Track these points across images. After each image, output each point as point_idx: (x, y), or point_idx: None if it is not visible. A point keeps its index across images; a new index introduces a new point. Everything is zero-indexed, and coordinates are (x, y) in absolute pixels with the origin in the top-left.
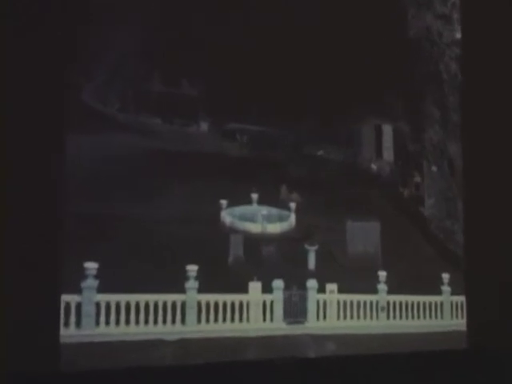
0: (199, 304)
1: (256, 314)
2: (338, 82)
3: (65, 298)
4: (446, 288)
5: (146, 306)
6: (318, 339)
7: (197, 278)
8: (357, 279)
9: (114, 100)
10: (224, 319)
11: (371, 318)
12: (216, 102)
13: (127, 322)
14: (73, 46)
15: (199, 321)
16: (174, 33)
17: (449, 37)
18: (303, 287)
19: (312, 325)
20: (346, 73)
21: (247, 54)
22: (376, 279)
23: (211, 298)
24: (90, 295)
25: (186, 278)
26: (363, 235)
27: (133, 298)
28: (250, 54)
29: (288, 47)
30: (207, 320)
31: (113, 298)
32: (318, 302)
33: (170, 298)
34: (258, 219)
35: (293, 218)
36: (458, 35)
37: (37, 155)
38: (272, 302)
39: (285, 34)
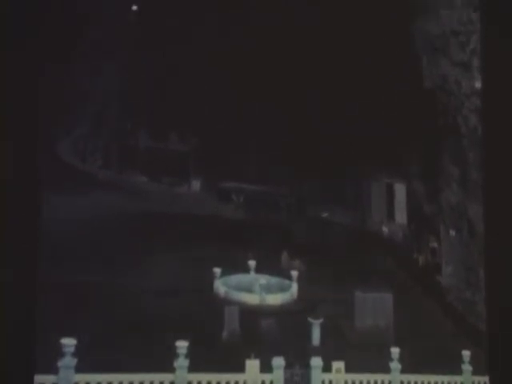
0: None
1: None
2: (345, 136)
3: (39, 378)
4: (466, 367)
5: None
6: None
7: (187, 355)
8: (367, 356)
9: (95, 156)
10: None
11: None
12: (209, 158)
13: None
14: (48, 93)
15: None
16: (162, 82)
17: (468, 86)
18: (306, 366)
19: None
20: (353, 126)
21: (244, 105)
22: (388, 356)
23: (203, 377)
24: (67, 375)
25: (176, 356)
26: (374, 307)
27: (115, 378)
28: (247, 105)
29: (291, 97)
30: None
31: (93, 378)
32: (323, 383)
33: (157, 378)
34: (256, 289)
35: (295, 288)
36: (478, 84)
37: (8, 218)
38: (272, 383)
39: (288, 83)
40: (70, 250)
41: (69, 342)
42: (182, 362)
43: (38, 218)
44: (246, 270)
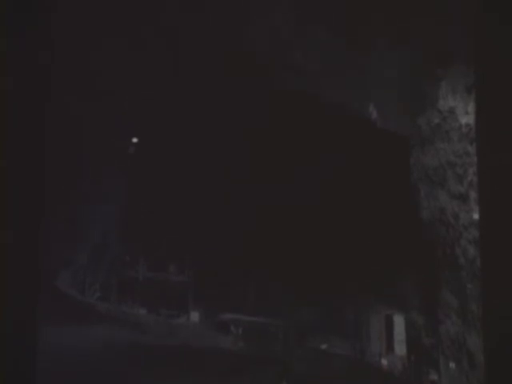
0: None
1: None
2: (345, 266)
3: None
4: None
5: None
6: None
7: None
8: None
9: (94, 288)
10: None
11: None
12: (208, 289)
13: None
14: (47, 223)
15: None
16: (161, 214)
17: (465, 218)
18: None
19: None
20: (353, 256)
21: (243, 233)
22: None
23: None
24: None
25: None
26: None
27: None
28: (246, 233)
29: (290, 227)
30: None
31: None
32: None
33: None
34: None
35: None
36: (476, 216)
37: (6, 353)
38: None
39: (288, 214)
40: (67, 383)
41: None
42: None
43: (35, 351)
44: None
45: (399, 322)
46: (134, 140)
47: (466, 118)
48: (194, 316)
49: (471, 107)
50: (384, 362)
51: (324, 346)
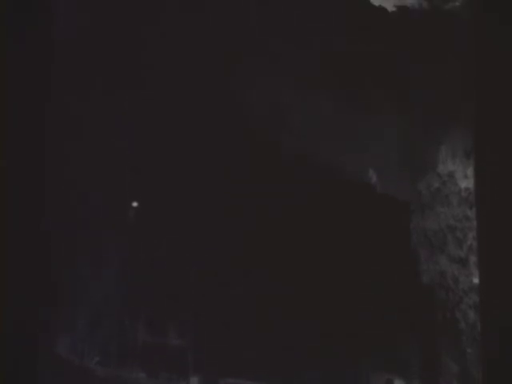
0: None
1: None
2: (344, 330)
3: None
4: None
5: None
6: None
7: None
8: None
9: (93, 353)
10: None
11: None
12: (209, 352)
13: None
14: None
15: None
16: (162, 276)
17: (465, 282)
18: None
19: None
20: (353, 320)
21: (244, 301)
22: None
23: None
24: None
25: None
26: None
27: None
28: (247, 300)
29: (290, 288)
30: None
31: None
32: None
33: None
34: None
35: None
36: (476, 281)
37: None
38: None
39: (288, 275)
40: None
41: None
42: None
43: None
44: None
45: None
46: (134, 204)
47: (466, 182)
48: (194, 381)
49: (470, 171)
50: None
51: None
